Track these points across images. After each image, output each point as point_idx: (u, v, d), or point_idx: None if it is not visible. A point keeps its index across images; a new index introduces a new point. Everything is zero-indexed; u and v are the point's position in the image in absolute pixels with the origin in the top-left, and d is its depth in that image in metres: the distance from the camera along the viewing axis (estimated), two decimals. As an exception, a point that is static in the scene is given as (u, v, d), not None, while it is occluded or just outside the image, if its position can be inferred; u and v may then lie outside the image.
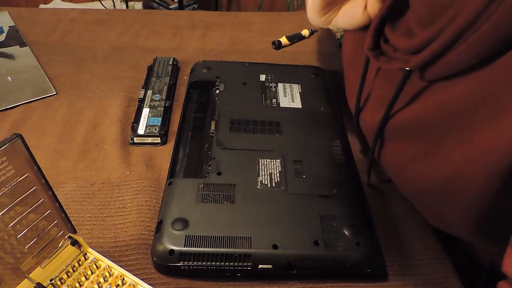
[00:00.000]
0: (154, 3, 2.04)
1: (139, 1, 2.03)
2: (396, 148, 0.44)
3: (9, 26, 0.81)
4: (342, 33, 1.73)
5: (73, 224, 0.40)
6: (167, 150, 0.58)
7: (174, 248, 0.42)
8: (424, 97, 0.39)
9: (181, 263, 0.42)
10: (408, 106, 0.41)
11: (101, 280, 0.41)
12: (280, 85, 0.66)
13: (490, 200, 0.33)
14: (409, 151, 0.41)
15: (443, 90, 0.37)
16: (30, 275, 0.38)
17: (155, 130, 0.59)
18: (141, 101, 0.64)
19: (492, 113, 0.31)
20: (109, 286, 0.40)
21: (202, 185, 0.48)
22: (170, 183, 0.49)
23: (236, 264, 0.43)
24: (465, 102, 0.34)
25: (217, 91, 0.64)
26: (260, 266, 0.43)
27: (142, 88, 0.66)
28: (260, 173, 0.51)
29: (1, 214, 0.34)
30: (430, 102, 0.38)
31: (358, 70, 0.50)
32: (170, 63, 0.72)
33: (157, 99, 0.64)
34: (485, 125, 0.32)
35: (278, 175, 0.50)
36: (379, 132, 0.45)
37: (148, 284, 0.41)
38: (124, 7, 1.97)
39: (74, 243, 0.41)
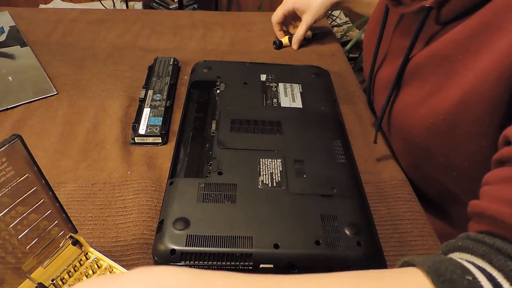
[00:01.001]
0: (154, 3, 2.04)
1: (139, 1, 2.03)
2: (411, 90, 0.50)
3: (9, 26, 0.81)
4: (342, 32, 1.73)
5: (74, 224, 0.40)
6: (168, 149, 0.58)
7: (175, 247, 0.42)
8: (437, 37, 0.46)
9: (182, 263, 0.42)
10: (423, 48, 0.48)
11: (102, 280, 0.41)
12: (280, 85, 0.66)
13: (502, 113, 0.38)
14: (424, 89, 0.47)
15: (457, 27, 0.43)
16: (31, 275, 0.38)
17: (156, 130, 0.59)
18: (142, 101, 0.64)
19: (493, 36, 0.39)
20: (110, 286, 0.40)
21: (203, 185, 0.48)
22: (171, 183, 0.49)
23: (237, 263, 0.43)
24: (475, 28, 0.41)
25: (218, 91, 0.64)
26: (261, 265, 0.43)
27: (143, 88, 0.66)
28: (261, 172, 0.51)
29: (2, 215, 0.34)
30: (443, 39, 0.44)
31: (377, 35, 0.58)
32: (171, 63, 0.72)
33: (158, 99, 0.64)
34: (492, 43, 0.39)
35: (279, 175, 0.50)
36: (399, 76, 0.51)
37: (149, 284, 0.41)
38: (124, 7, 1.97)
39: (75, 243, 0.41)
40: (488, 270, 0.27)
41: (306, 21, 0.80)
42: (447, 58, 0.44)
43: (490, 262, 0.27)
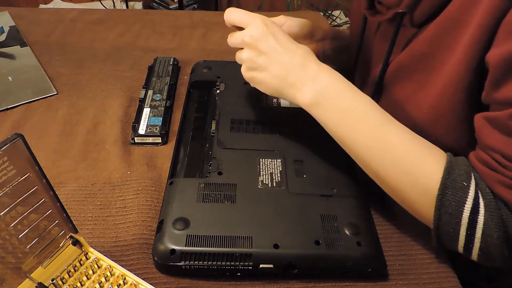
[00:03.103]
0: (154, 3, 2.04)
1: (139, 1, 2.03)
2: (394, 90, 0.53)
3: (9, 26, 0.81)
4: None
5: (74, 224, 0.40)
6: (168, 150, 0.58)
7: (175, 247, 0.42)
8: (414, 40, 0.49)
9: (182, 263, 0.42)
10: (402, 51, 0.51)
11: (103, 279, 0.41)
12: (280, 85, 0.66)
13: (476, 98, 0.42)
14: (406, 88, 0.51)
15: (430, 26, 0.46)
16: (31, 275, 0.38)
17: (156, 130, 0.59)
18: (142, 101, 0.64)
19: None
20: (110, 285, 0.40)
21: (203, 185, 0.48)
22: (171, 183, 0.50)
23: (237, 263, 0.43)
24: (445, 26, 0.44)
25: (218, 91, 0.64)
26: (261, 265, 0.43)
27: (143, 88, 0.66)
28: (261, 172, 0.51)
29: (3, 214, 0.34)
30: (418, 39, 0.48)
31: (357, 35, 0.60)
32: (171, 63, 0.72)
33: (157, 99, 0.64)
34: (461, 37, 0.42)
35: (278, 175, 0.51)
36: (380, 79, 0.54)
37: (149, 283, 0.41)
38: (124, 7, 1.97)
39: (75, 242, 0.41)
40: (479, 187, 0.40)
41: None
42: (424, 56, 0.48)
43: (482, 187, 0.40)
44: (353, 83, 0.52)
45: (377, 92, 0.56)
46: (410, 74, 0.50)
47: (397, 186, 0.45)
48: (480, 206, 0.39)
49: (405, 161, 0.43)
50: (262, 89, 0.51)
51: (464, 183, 0.40)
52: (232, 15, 0.51)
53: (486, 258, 0.41)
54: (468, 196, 0.39)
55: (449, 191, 0.40)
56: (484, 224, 0.39)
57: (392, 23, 0.51)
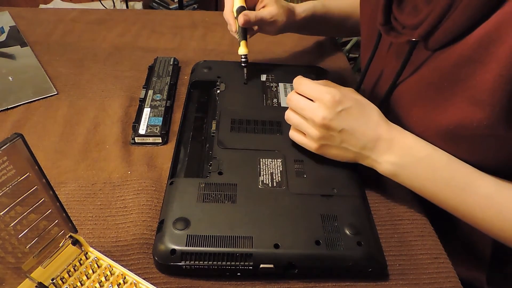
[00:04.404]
0: (154, 3, 2.04)
1: (139, 1, 2.03)
2: (401, 110, 0.52)
3: (9, 26, 0.81)
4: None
5: (74, 223, 0.40)
6: (168, 149, 0.58)
7: (176, 247, 0.42)
8: (427, 63, 0.47)
9: (182, 263, 0.42)
10: (413, 73, 0.50)
11: (103, 279, 0.41)
12: (281, 84, 0.66)
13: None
14: (412, 112, 0.50)
15: (443, 55, 0.45)
16: (31, 275, 0.38)
17: (156, 130, 0.59)
18: (142, 101, 0.64)
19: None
20: (110, 285, 0.40)
21: (203, 185, 0.48)
22: (171, 183, 0.49)
23: (238, 263, 0.43)
24: (456, 61, 0.43)
25: (218, 91, 0.64)
26: (261, 265, 0.43)
27: (143, 88, 0.66)
28: (261, 172, 0.51)
29: (2, 214, 0.34)
30: (428, 66, 0.47)
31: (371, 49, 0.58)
32: (171, 63, 0.72)
33: (158, 99, 0.64)
34: (475, 74, 0.41)
35: (279, 175, 0.50)
36: (386, 98, 0.54)
37: (150, 283, 0.41)
38: (124, 7, 1.97)
39: (75, 242, 0.41)
40: None
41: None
42: (433, 85, 0.47)
43: None
44: (359, 92, 0.52)
45: (385, 108, 0.54)
46: (416, 100, 0.50)
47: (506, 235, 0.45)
48: None
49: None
50: (336, 159, 0.52)
51: None
52: (302, 87, 0.50)
53: None
54: None
55: None
56: None
57: (406, 44, 0.49)
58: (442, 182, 0.46)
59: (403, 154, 0.47)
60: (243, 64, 0.64)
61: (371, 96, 0.60)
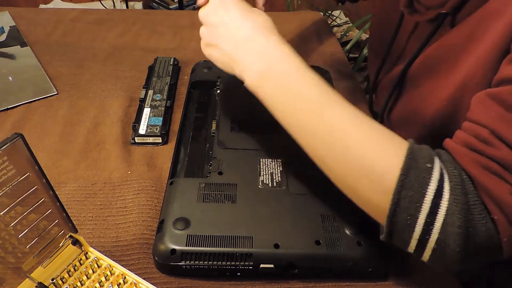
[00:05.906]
0: (154, 3, 2.03)
1: (139, 1, 2.03)
2: (419, 82, 0.54)
3: (10, 26, 0.81)
4: (342, 33, 1.74)
5: (74, 223, 0.40)
6: (168, 149, 0.58)
7: (176, 247, 0.42)
8: (446, 35, 0.48)
9: (182, 263, 0.42)
10: (430, 46, 0.51)
11: (103, 279, 0.41)
12: (281, 84, 0.66)
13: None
14: (430, 80, 0.51)
15: (461, 24, 0.46)
16: (31, 275, 0.38)
17: (156, 130, 0.59)
18: (142, 101, 0.64)
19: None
20: (110, 285, 0.40)
21: (204, 185, 0.48)
22: (171, 183, 0.49)
23: (238, 263, 0.43)
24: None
25: (218, 91, 0.64)
26: (261, 265, 0.43)
27: (143, 88, 0.66)
28: (261, 172, 0.51)
29: (2, 214, 0.34)
30: (451, 35, 0.48)
31: (389, 30, 0.60)
32: (171, 63, 0.72)
33: (158, 99, 0.64)
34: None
35: (279, 175, 0.50)
36: (405, 69, 0.55)
37: (150, 283, 0.41)
38: (124, 7, 1.97)
39: (75, 242, 0.41)
40: (444, 170, 0.37)
41: None
42: (453, 47, 0.47)
43: (446, 167, 0.37)
44: (378, 76, 0.53)
45: (400, 85, 0.56)
46: (435, 66, 0.50)
47: (347, 172, 0.40)
48: (444, 189, 0.35)
49: (358, 146, 0.39)
50: (220, 67, 0.48)
51: (428, 164, 0.36)
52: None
53: (439, 257, 0.37)
54: (432, 178, 0.36)
55: (412, 172, 0.36)
56: (447, 210, 0.35)
57: (430, 23, 0.50)
58: (307, 98, 0.42)
59: (273, 61, 0.43)
60: None
61: (390, 75, 0.61)
